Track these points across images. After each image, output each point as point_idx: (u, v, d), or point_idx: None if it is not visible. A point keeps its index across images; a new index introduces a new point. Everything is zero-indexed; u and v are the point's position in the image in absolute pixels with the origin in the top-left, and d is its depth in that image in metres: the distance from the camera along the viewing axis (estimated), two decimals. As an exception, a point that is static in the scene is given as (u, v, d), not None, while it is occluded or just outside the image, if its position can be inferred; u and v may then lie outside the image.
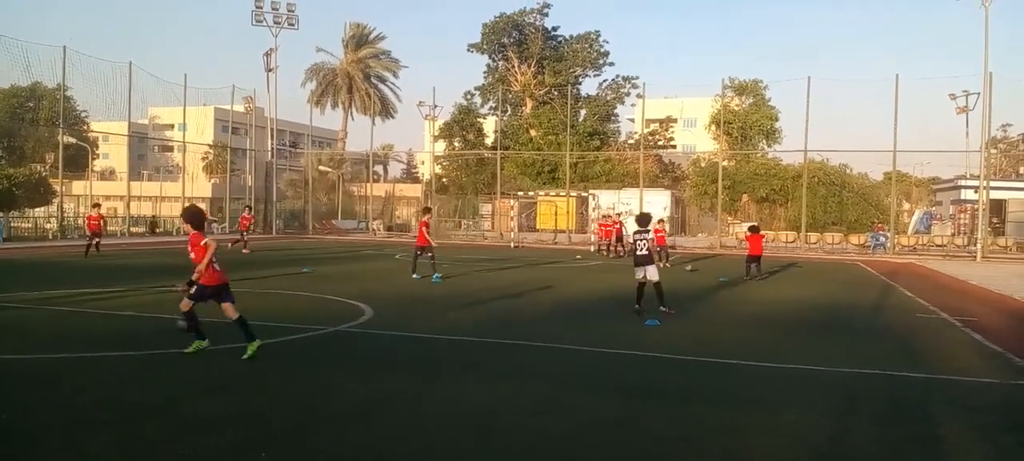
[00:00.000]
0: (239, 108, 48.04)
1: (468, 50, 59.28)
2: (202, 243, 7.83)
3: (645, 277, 11.75)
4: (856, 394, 7.25)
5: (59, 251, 26.35)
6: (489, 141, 54.82)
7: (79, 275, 17.17)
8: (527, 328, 10.69)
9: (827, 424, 6.17)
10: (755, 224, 23.12)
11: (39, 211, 39.63)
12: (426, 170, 69.01)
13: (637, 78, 56.99)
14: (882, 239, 35.04)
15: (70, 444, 5.20)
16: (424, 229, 18.04)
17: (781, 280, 19.80)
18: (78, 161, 48.28)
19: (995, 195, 37.30)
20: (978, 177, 33.63)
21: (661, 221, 26.67)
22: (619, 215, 30.80)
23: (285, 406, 6.33)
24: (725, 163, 41.62)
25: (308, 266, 20.37)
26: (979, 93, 35.02)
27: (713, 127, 48.83)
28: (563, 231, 41.33)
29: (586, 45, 57.75)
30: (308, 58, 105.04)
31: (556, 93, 55.24)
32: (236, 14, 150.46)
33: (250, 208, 31.66)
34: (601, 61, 58.13)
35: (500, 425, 5.95)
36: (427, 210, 20.13)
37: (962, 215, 39.45)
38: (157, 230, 40.84)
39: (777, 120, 48.85)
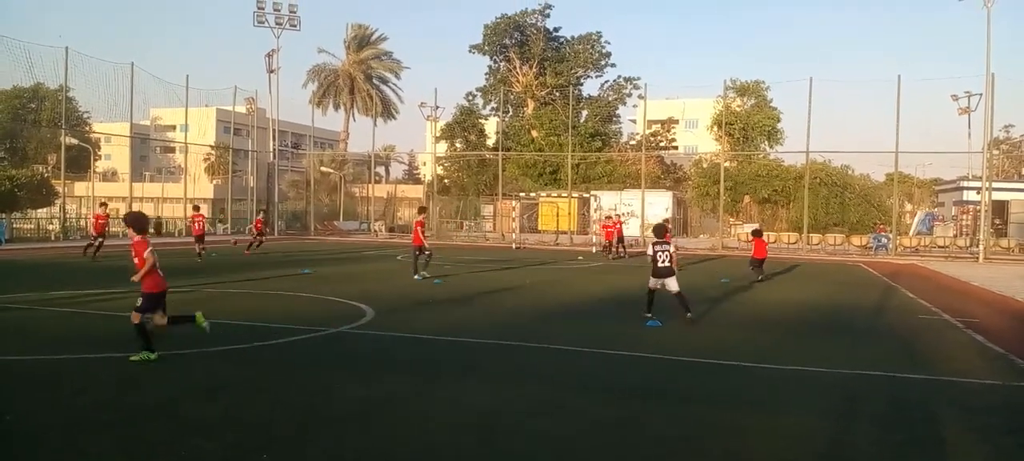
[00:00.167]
0: (241, 109, 48.07)
1: (469, 51, 59.36)
2: (145, 253, 7.76)
3: (663, 287, 11.36)
4: (857, 395, 7.25)
5: (61, 252, 26.38)
6: (491, 142, 54.82)
7: (81, 276, 17.19)
8: (528, 329, 10.68)
9: (828, 425, 6.16)
10: (758, 227, 23.08)
11: (41, 212, 39.68)
12: (428, 171, 69.09)
13: (639, 79, 57.07)
14: (884, 240, 35.00)
15: (71, 445, 5.21)
16: (419, 229, 18.17)
17: (782, 281, 19.79)
18: (80, 162, 48.38)
19: (997, 196, 37.26)
20: (980, 178, 33.58)
21: (666, 221, 26.67)
22: (619, 216, 30.80)
23: (286, 407, 6.33)
24: (727, 164, 41.58)
25: (308, 268, 20.38)
26: (981, 94, 34.97)
27: (715, 128, 48.81)
28: (565, 232, 41.32)
29: (588, 46, 57.74)
30: (310, 59, 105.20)
31: (558, 94, 55.25)
32: (238, 15, 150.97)
33: (265, 211, 31.52)
34: (603, 62, 58.14)
35: (501, 426, 5.95)
36: (422, 210, 20.19)
37: (964, 216, 39.38)
38: (161, 231, 40.85)
39: (779, 121, 48.86)
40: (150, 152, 77.46)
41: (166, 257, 24.86)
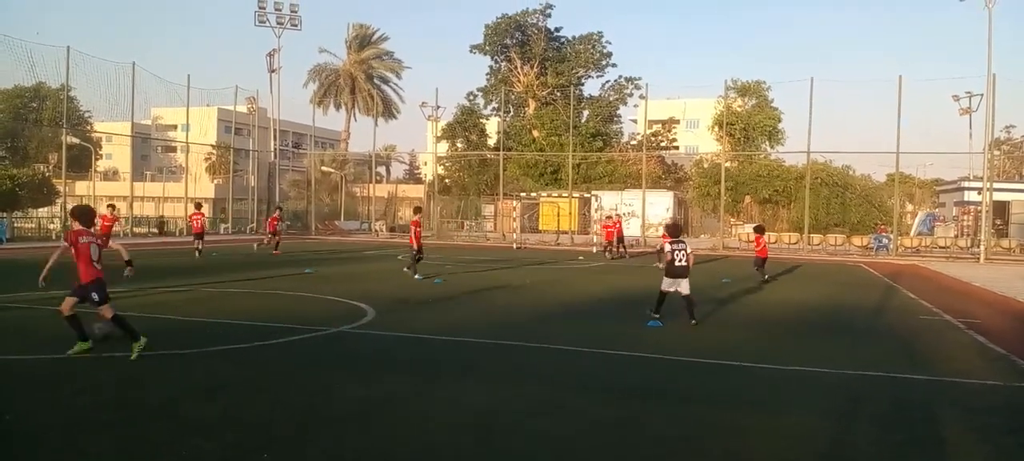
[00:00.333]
0: (242, 109, 48.09)
1: (470, 51, 59.31)
2: (82, 240, 7.97)
3: (677, 290, 11.11)
4: (858, 396, 7.24)
5: (62, 251, 26.36)
6: (492, 142, 54.81)
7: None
8: (528, 329, 10.68)
9: (828, 426, 6.16)
10: (759, 225, 23.10)
11: (42, 211, 39.73)
12: (429, 171, 69.09)
13: (640, 79, 56.99)
14: (885, 241, 34.98)
15: (71, 445, 5.20)
16: (416, 229, 18.26)
17: (783, 282, 19.77)
18: (81, 162, 48.41)
19: (998, 197, 37.24)
20: (981, 179, 33.56)
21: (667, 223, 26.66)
22: (619, 216, 30.80)
23: (286, 407, 6.33)
24: (728, 164, 41.56)
25: (310, 267, 20.40)
26: (982, 94, 34.95)
27: (716, 128, 48.82)
28: (565, 232, 41.32)
29: (589, 46, 57.70)
30: (311, 59, 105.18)
31: (559, 94, 55.22)
32: (239, 15, 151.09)
33: (280, 208, 31.46)
34: (604, 62, 58.08)
35: (500, 426, 5.95)
36: (418, 210, 20.26)
37: (965, 217, 39.34)
38: (163, 230, 40.86)
39: (780, 121, 48.81)
40: (151, 152, 77.49)
41: (167, 256, 24.82)
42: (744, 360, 8.64)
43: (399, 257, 25.10)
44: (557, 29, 58.27)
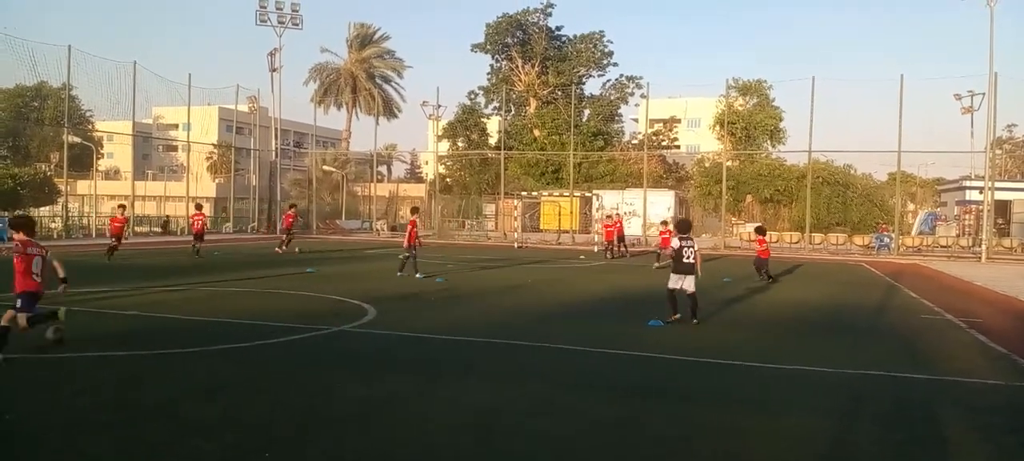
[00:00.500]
0: (243, 108, 48.11)
1: (472, 50, 59.22)
2: (29, 252, 7.88)
3: (682, 287, 11.08)
4: (859, 395, 7.23)
5: (63, 250, 26.35)
6: (493, 141, 54.79)
7: (82, 275, 17.17)
8: (529, 328, 10.67)
9: (830, 425, 6.15)
10: (761, 226, 23.06)
11: (44, 210, 39.80)
12: (430, 170, 69.08)
13: (641, 78, 56.95)
14: (886, 240, 34.94)
15: (71, 446, 5.20)
16: (412, 229, 18.34)
17: (785, 281, 19.75)
18: (83, 161, 48.46)
19: (1000, 196, 37.19)
20: (983, 178, 33.51)
21: (665, 222, 26.66)
22: (619, 216, 30.78)
23: (286, 408, 6.32)
24: (729, 163, 41.53)
25: (311, 266, 20.40)
26: (984, 93, 34.92)
27: (717, 127, 48.76)
28: (567, 231, 41.30)
29: (590, 45, 57.64)
30: (312, 58, 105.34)
31: (560, 93, 55.17)
32: (240, 14, 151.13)
33: (294, 206, 31.45)
34: (605, 61, 58.00)
35: (501, 426, 5.94)
36: (415, 209, 20.34)
37: (967, 216, 39.30)
38: (167, 229, 40.87)
39: (781, 120, 48.75)
40: (153, 151, 77.54)
41: (169, 256, 24.82)
42: (745, 360, 8.63)
43: (401, 257, 25.10)
44: (558, 28, 58.25)
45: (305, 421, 5.85)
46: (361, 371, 7.84)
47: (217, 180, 63.37)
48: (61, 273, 8.37)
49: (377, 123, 55.28)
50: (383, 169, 66.78)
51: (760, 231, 20.73)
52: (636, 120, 64.67)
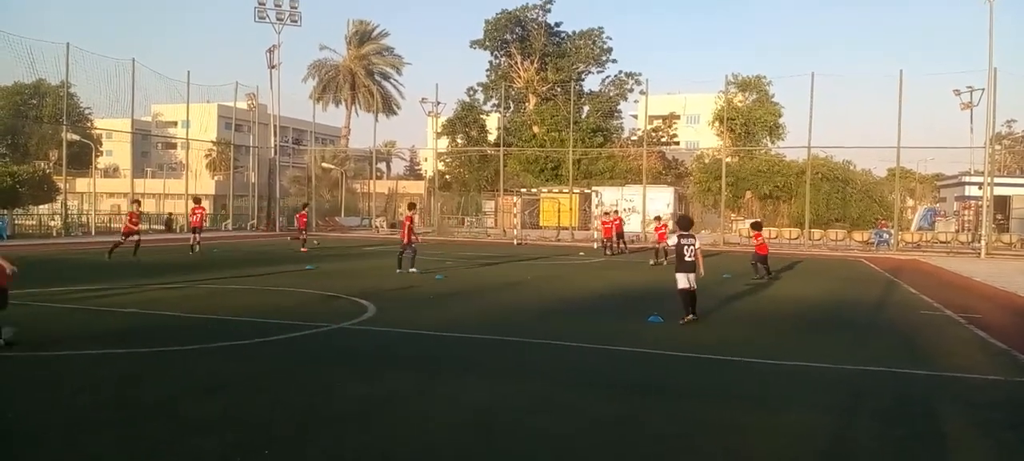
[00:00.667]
0: (242, 105, 48.03)
1: (471, 46, 59.15)
2: None
3: (689, 284, 10.95)
4: (859, 391, 7.23)
5: (63, 248, 26.40)
6: (492, 138, 54.75)
7: (82, 272, 17.19)
8: (528, 325, 10.67)
9: (830, 422, 6.15)
10: (756, 221, 23.01)
11: (43, 208, 39.71)
12: (429, 167, 69.01)
13: (640, 74, 56.92)
14: (886, 236, 34.95)
15: (71, 445, 5.19)
16: (408, 225, 18.38)
17: (784, 277, 19.77)
18: (82, 158, 48.33)
19: (999, 191, 37.22)
20: (982, 173, 33.51)
21: (658, 217, 26.68)
22: (617, 212, 30.80)
23: (286, 406, 6.32)
24: (728, 159, 41.51)
25: (311, 263, 20.41)
26: (983, 89, 34.87)
27: (716, 123, 48.68)
28: (566, 228, 41.30)
29: (589, 41, 57.59)
30: (311, 55, 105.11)
31: (559, 89, 55.15)
32: (239, 11, 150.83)
33: (307, 205, 31.39)
34: (604, 57, 57.97)
35: (500, 424, 5.94)
36: (412, 206, 20.35)
37: (966, 212, 39.32)
38: (171, 227, 40.82)
39: (781, 116, 48.67)
40: (151, 148, 77.49)
41: (168, 253, 24.77)
42: (745, 356, 8.63)
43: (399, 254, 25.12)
44: (557, 24, 58.21)
45: (305, 419, 5.85)
46: (361, 368, 7.84)
47: (216, 177, 63.27)
48: (8, 269, 8.33)
49: (376, 120, 55.20)
50: (382, 166, 66.69)
51: (756, 227, 20.69)
52: (635, 116, 64.66)
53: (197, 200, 27.32)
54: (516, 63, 57.82)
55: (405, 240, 18.30)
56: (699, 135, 61.97)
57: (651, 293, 14.88)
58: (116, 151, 70.81)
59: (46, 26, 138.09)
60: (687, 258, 10.93)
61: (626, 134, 58.80)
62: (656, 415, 6.30)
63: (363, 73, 60.34)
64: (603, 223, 29.30)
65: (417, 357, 8.51)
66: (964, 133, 42.77)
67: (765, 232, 20.70)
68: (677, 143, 60.30)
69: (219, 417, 5.90)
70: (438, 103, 48.45)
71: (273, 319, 10.54)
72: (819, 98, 35.80)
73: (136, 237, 21.22)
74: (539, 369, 7.92)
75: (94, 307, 11.59)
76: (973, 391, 7.40)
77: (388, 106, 62.23)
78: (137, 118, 42.19)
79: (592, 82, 60.46)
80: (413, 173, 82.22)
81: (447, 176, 54.14)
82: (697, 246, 11.12)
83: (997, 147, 45.99)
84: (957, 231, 37.63)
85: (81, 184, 51.52)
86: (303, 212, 29.23)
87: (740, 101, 48.44)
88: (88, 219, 38.81)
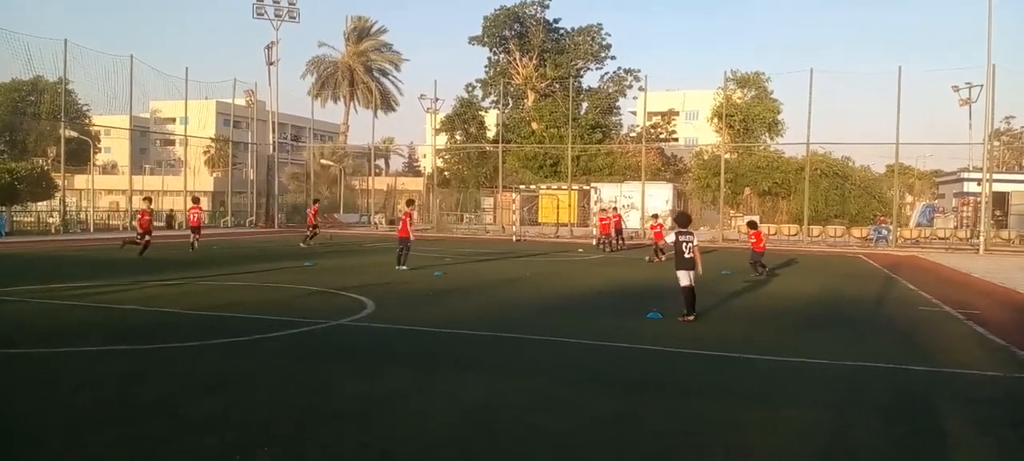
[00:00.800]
0: (240, 102, 48.05)
1: (469, 43, 59.12)
2: None
3: (690, 282, 10.90)
4: (858, 388, 7.23)
5: (61, 245, 26.38)
6: (491, 134, 54.72)
7: (81, 269, 17.18)
8: (527, 321, 10.67)
9: (829, 418, 6.15)
10: (752, 220, 22.85)
11: (41, 205, 39.66)
12: (428, 164, 69.00)
13: (639, 71, 56.83)
14: (884, 232, 34.97)
15: (71, 444, 5.18)
16: (406, 221, 18.43)
17: (783, 274, 19.78)
18: (80, 155, 48.28)
19: (998, 188, 37.24)
20: (981, 169, 33.53)
21: (655, 216, 26.69)
22: (616, 209, 30.81)
23: (286, 403, 6.31)
24: (727, 156, 41.53)
25: (310, 260, 20.40)
26: (982, 85, 34.90)
27: (715, 120, 48.68)
28: (565, 225, 41.30)
29: (588, 38, 57.54)
30: (309, 51, 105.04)
31: (558, 86, 55.11)
32: (237, 8, 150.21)
33: (317, 201, 31.38)
34: (603, 54, 57.94)
35: (499, 421, 5.93)
36: (410, 202, 20.38)
37: (965, 208, 39.35)
38: (172, 225, 40.77)
39: (779, 113, 48.67)
40: (150, 145, 77.45)
41: (168, 250, 24.76)
42: (744, 352, 8.64)
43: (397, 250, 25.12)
44: (556, 21, 58.18)
45: (304, 417, 5.84)
46: (360, 365, 7.83)
47: (214, 174, 63.24)
48: None
49: (375, 116, 55.32)
50: (381, 163, 66.60)
51: (752, 225, 20.51)
52: (634, 113, 64.70)
53: (196, 200, 27.30)
54: (515, 59, 57.77)
55: (403, 236, 18.33)
56: (698, 131, 61.98)
57: (650, 289, 14.89)
58: (115, 148, 70.79)
59: (44, 22, 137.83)
60: (686, 255, 10.92)
61: (625, 131, 58.78)
62: (656, 412, 6.30)
63: (362, 69, 60.28)
64: (600, 220, 29.31)
65: (416, 354, 8.51)
66: (963, 129, 42.89)
67: (764, 229, 20.60)
68: (676, 139, 60.29)
69: (219, 415, 5.89)
70: (437, 100, 48.53)
71: (272, 315, 10.53)
72: (818, 95, 35.90)
73: (148, 238, 20.97)
74: (538, 366, 7.92)
75: (93, 304, 11.58)
76: (972, 387, 7.41)
77: (387, 103, 62.18)
78: (135, 114, 42.15)
79: (591, 79, 60.62)
80: (412, 170, 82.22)
81: (446, 173, 54.12)
82: (695, 243, 11.09)
83: (995, 143, 46.01)
84: (956, 227, 37.66)
85: (79, 181, 51.51)
86: (314, 207, 29.44)
87: (739, 97, 48.45)
88: (87, 216, 38.77)
